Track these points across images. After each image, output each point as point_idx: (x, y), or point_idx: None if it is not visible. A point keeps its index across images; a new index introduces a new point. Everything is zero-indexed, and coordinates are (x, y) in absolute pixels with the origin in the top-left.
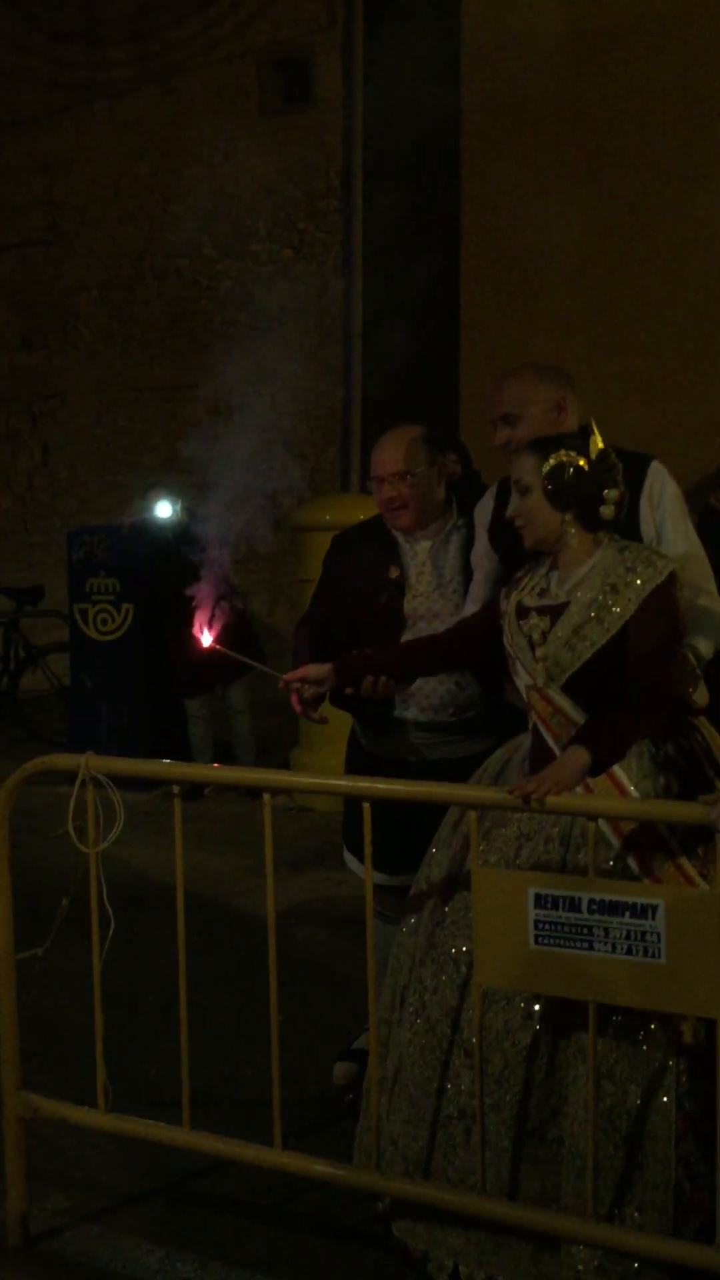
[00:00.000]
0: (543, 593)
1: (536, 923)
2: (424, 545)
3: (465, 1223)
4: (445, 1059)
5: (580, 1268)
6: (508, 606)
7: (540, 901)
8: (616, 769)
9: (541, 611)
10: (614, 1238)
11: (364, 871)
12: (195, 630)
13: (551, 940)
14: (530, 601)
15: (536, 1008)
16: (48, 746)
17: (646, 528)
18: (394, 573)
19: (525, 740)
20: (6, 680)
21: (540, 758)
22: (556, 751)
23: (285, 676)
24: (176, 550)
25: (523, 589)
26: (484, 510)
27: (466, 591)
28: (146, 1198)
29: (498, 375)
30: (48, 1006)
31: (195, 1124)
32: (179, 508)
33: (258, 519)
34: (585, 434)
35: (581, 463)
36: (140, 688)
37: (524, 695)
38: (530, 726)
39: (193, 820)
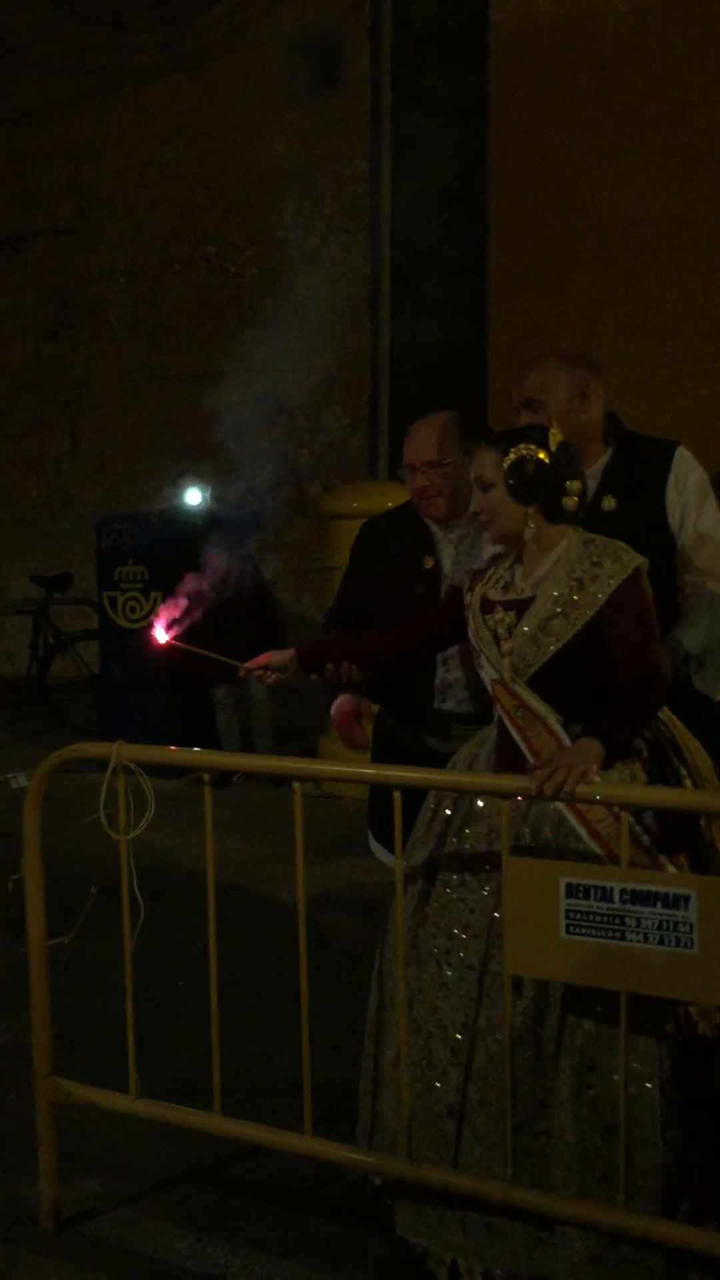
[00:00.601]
0: (507, 586)
1: (568, 912)
2: (457, 534)
3: (462, 1219)
4: (431, 1057)
5: (575, 1258)
6: (472, 600)
7: (572, 891)
8: None
9: (507, 606)
10: (611, 1219)
11: (390, 858)
12: (154, 626)
13: (583, 930)
14: (495, 595)
15: (519, 1004)
16: (76, 734)
17: (673, 514)
18: (429, 562)
19: (491, 734)
20: (36, 668)
21: (506, 751)
22: (522, 746)
23: (246, 665)
24: (204, 538)
25: (487, 582)
26: None
27: None
28: (177, 1183)
29: (522, 362)
30: (78, 993)
31: (226, 1110)
32: (208, 495)
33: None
34: (544, 428)
35: (542, 456)
36: (168, 675)
37: (489, 689)
38: (495, 719)
39: (220, 807)
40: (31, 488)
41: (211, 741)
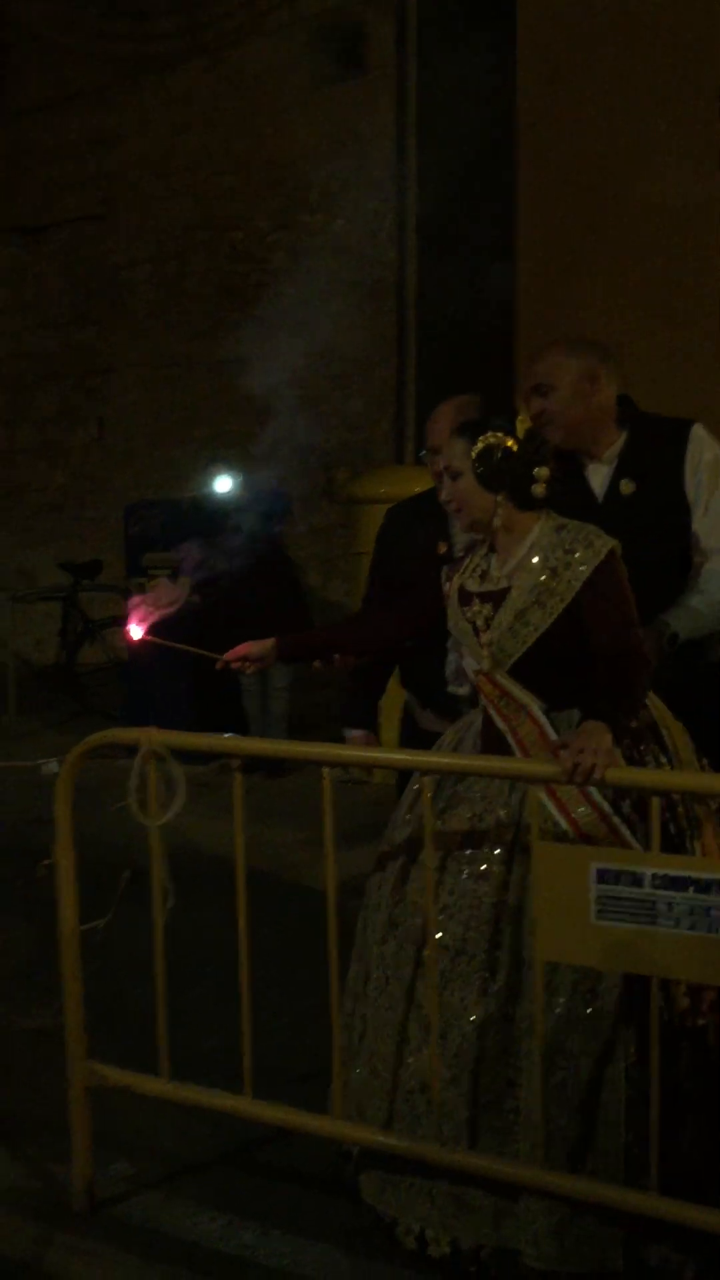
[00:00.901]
0: (484, 575)
1: (598, 898)
2: None
3: (430, 1190)
4: (404, 1034)
5: (537, 1231)
6: (450, 590)
7: (602, 876)
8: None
9: (484, 598)
10: (578, 1188)
11: None
12: (129, 622)
13: (614, 915)
14: (472, 586)
15: (492, 987)
16: (104, 720)
17: (689, 492)
18: (442, 548)
19: (476, 719)
20: (65, 654)
21: (490, 738)
22: (507, 734)
23: (225, 656)
24: (233, 524)
25: (464, 572)
26: None
27: None
28: (208, 1166)
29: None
30: (110, 978)
31: (256, 1093)
32: (238, 482)
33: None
34: (512, 415)
35: (510, 444)
36: (196, 661)
37: (471, 678)
38: (480, 706)
39: (249, 793)
40: (59, 475)
41: (239, 727)
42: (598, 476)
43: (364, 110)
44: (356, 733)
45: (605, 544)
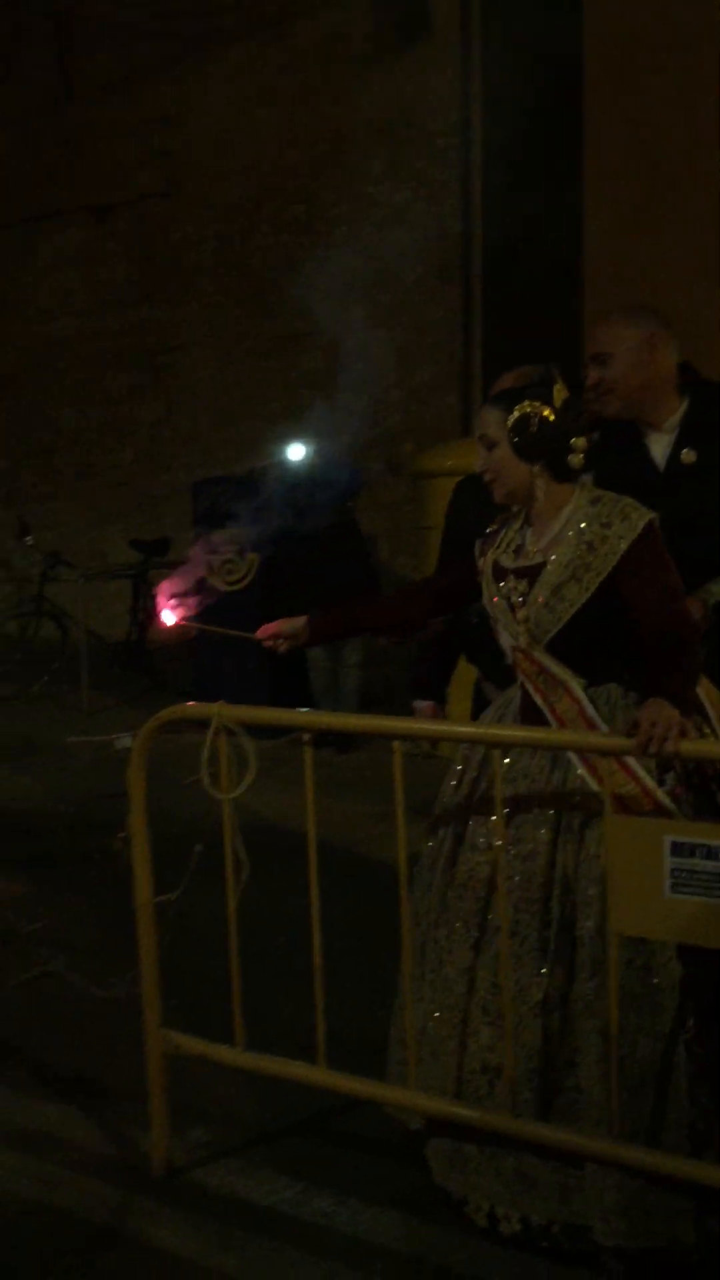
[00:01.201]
0: (518, 550)
1: (673, 871)
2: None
3: (496, 1168)
4: (464, 1016)
5: (606, 1207)
6: (484, 565)
7: (677, 849)
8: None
9: (519, 574)
10: (648, 1160)
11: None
12: (158, 608)
13: (689, 889)
14: (507, 561)
15: (544, 970)
16: (174, 696)
17: None
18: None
19: (515, 697)
20: (135, 631)
21: (530, 715)
22: (545, 711)
23: (255, 635)
24: (303, 498)
25: (498, 546)
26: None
27: None
28: (283, 1134)
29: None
30: (185, 949)
31: (329, 1063)
32: (310, 453)
33: (378, 466)
34: (549, 384)
35: (546, 413)
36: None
37: (509, 655)
38: (518, 683)
39: (319, 767)
40: (128, 453)
41: (308, 703)
42: (659, 446)
43: (427, 79)
44: (424, 704)
45: (642, 516)
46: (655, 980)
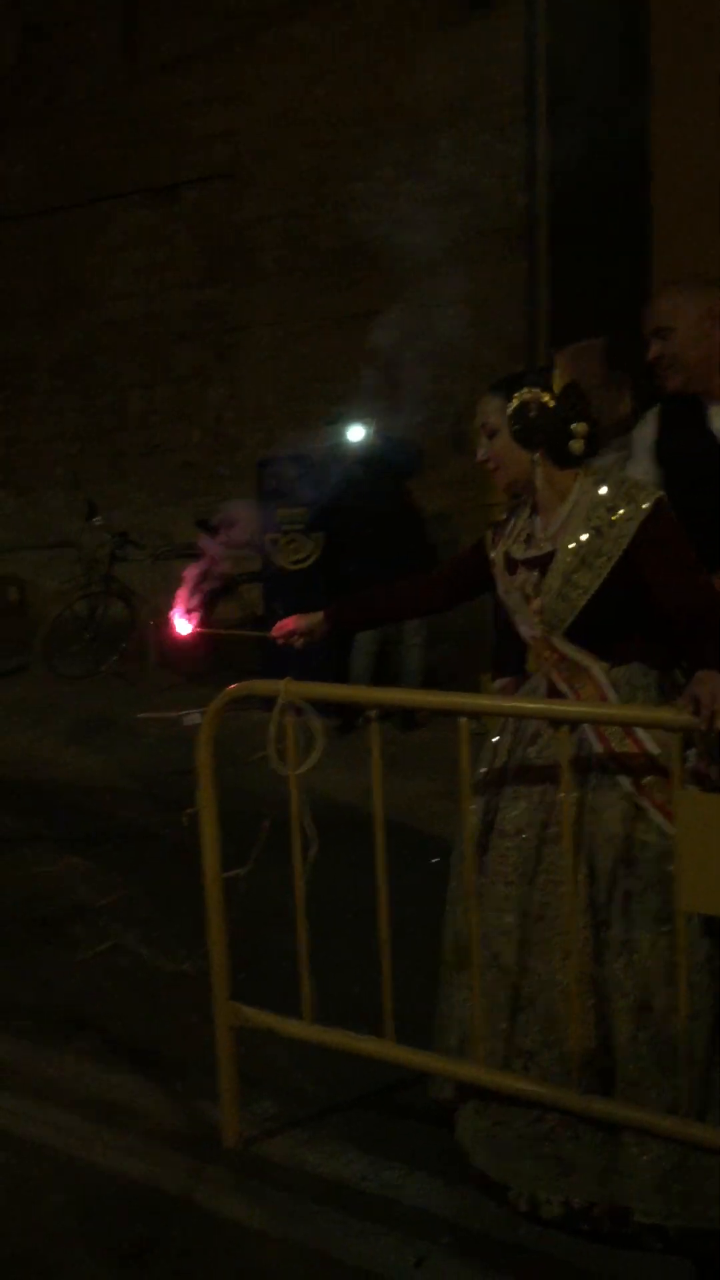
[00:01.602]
0: (529, 539)
1: None
2: (600, 463)
3: (534, 1152)
4: (499, 999)
5: (643, 1187)
6: (496, 557)
7: None
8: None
9: (529, 564)
10: (690, 1132)
11: None
12: (174, 617)
13: None
14: (517, 553)
15: (575, 947)
16: (241, 674)
17: None
18: None
19: (540, 684)
20: (202, 610)
21: (551, 696)
22: (569, 696)
23: (271, 633)
24: (363, 478)
25: (508, 537)
26: (646, 430)
27: None
28: (350, 1107)
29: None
30: (254, 923)
31: (398, 1037)
32: (370, 432)
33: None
34: (548, 370)
35: (546, 399)
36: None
37: (529, 644)
38: (542, 672)
39: (385, 744)
40: (192, 433)
41: (379, 679)
42: None
43: (493, 50)
44: (504, 681)
45: (649, 496)
46: (685, 957)
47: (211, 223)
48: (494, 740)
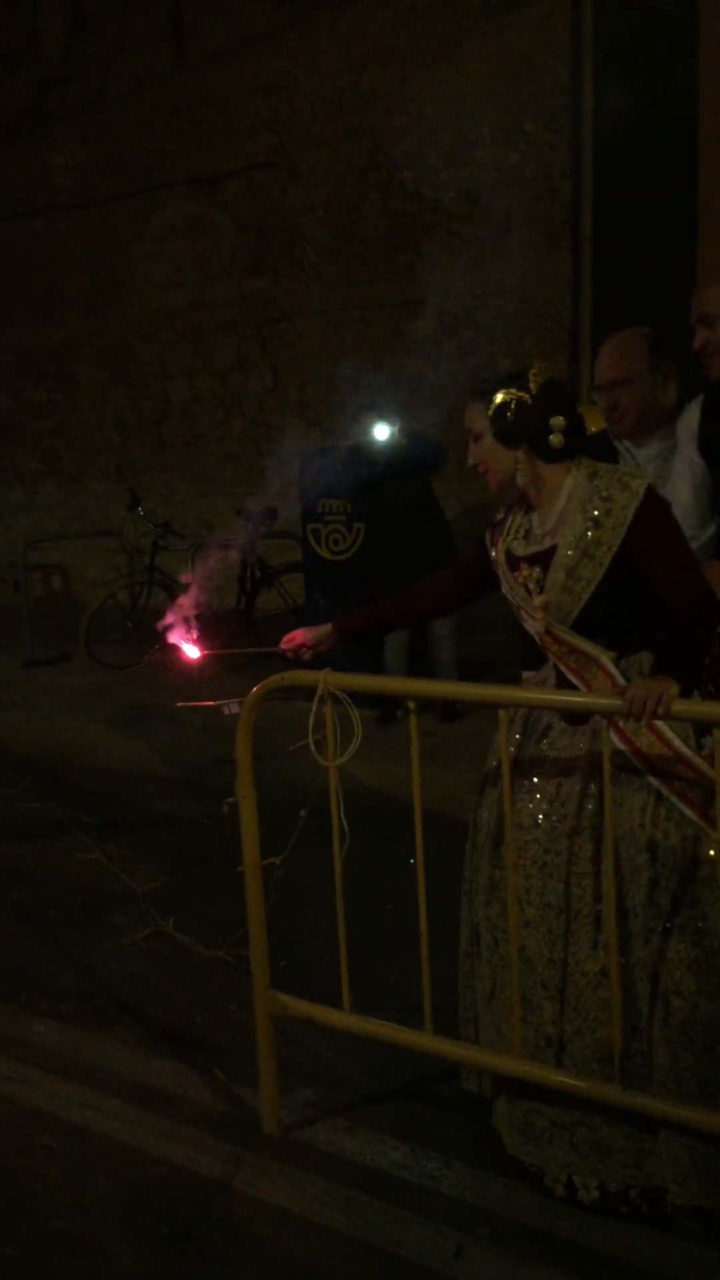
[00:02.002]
0: (528, 534)
1: None
2: (645, 453)
3: (570, 1138)
4: (525, 991)
5: (680, 1170)
6: (497, 555)
7: None
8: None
9: (531, 560)
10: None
11: None
12: (178, 643)
13: None
14: (518, 549)
15: (600, 939)
16: (283, 664)
17: None
18: None
19: (549, 676)
20: (244, 600)
21: (564, 690)
22: (580, 687)
23: (279, 647)
24: (390, 473)
25: (508, 535)
26: (690, 419)
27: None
28: (389, 1096)
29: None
30: (293, 913)
31: (435, 1029)
32: (395, 430)
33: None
34: (525, 372)
35: (524, 397)
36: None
37: (538, 640)
38: (551, 664)
39: (424, 736)
40: (235, 423)
41: (415, 672)
42: None
43: (539, 36)
44: (528, 674)
45: (641, 483)
46: (710, 943)
47: (256, 212)
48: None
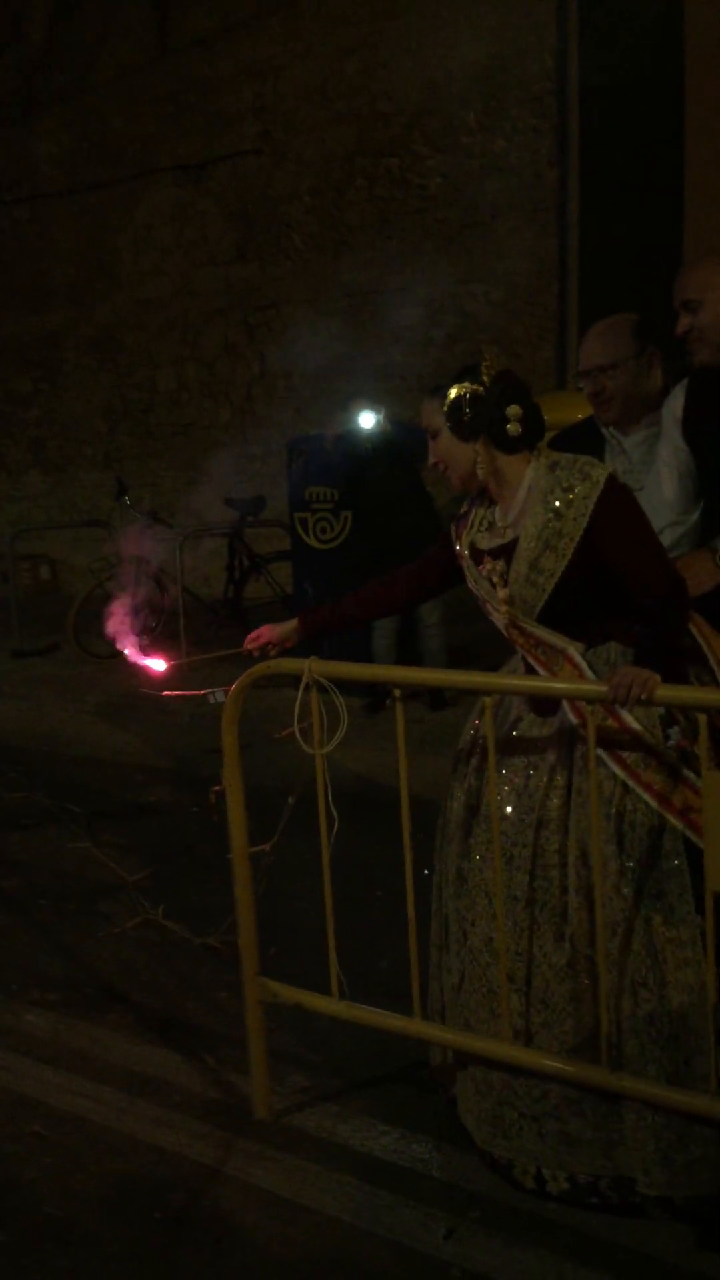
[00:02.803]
0: (490, 526)
1: None
2: (632, 440)
3: (538, 1129)
4: (491, 984)
5: (647, 1159)
6: (461, 550)
7: None
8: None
9: (494, 554)
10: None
11: None
12: (144, 667)
13: None
14: (482, 543)
15: (566, 931)
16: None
17: None
18: None
19: (519, 668)
20: (232, 589)
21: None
22: (547, 676)
23: (244, 646)
24: (378, 461)
25: (471, 528)
26: (674, 405)
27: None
28: (379, 1082)
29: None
30: (281, 900)
31: (425, 1015)
32: (380, 418)
33: None
34: (478, 365)
35: (477, 389)
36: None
37: (504, 632)
38: (520, 657)
39: (412, 724)
40: (223, 412)
41: (404, 660)
42: None
43: (525, 20)
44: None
45: (602, 473)
46: (675, 934)
47: (241, 200)
48: (477, 723)
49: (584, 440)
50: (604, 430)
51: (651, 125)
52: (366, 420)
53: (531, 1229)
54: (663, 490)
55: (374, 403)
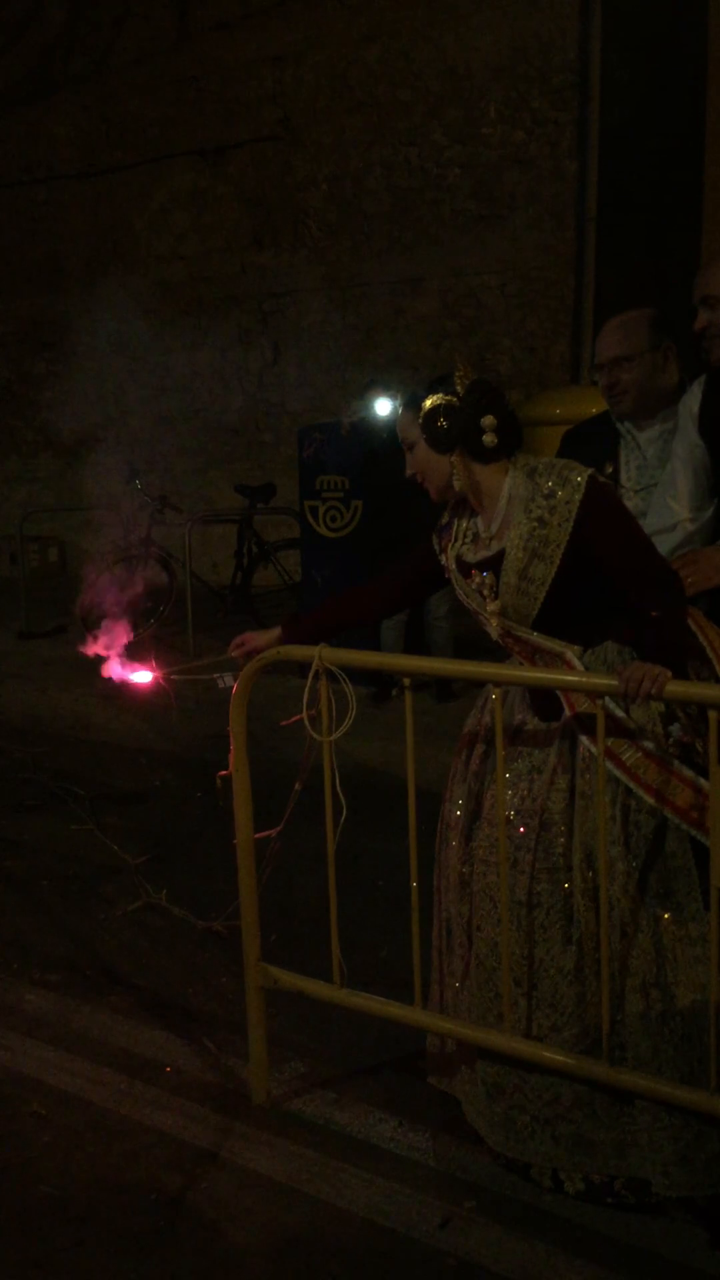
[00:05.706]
0: (475, 538)
1: None
2: (647, 435)
3: (552, 1132)
4: (497, 989)
5: (665, 1160)
6: (448, 561)
7: None
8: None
9: (481, 567)
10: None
11: None
12: (133, 678)
13: None
14: (468, 555)
15: (574, 933)
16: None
17: None
18: (608, 469)
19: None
20: (241, 576)
21: (537, 691)
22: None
23: (230, 654)
24: (392, 451)
25: (456, 540)
26: (691, 401)
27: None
28: (379, 1070)
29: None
30: (285, 887)
31: (426, 1004)
32: (397, 405)
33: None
34: (450, 376)
35: (451, 400)
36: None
37: (499, 641)
38: (517, 663)
39: (419, 715)
40: (235, 398)
41: (411, 651)
42: None
43: (547, 11)
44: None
45: (582, 475)
46: (684, 933)
47: (258, 186)
48: (471, 726)
49: (598, 435)
50: (619, 425)
51: (672, 120)
52: (383, 407)
53: (527, 1219)
54: (677, 486)
55: (389, 391)
